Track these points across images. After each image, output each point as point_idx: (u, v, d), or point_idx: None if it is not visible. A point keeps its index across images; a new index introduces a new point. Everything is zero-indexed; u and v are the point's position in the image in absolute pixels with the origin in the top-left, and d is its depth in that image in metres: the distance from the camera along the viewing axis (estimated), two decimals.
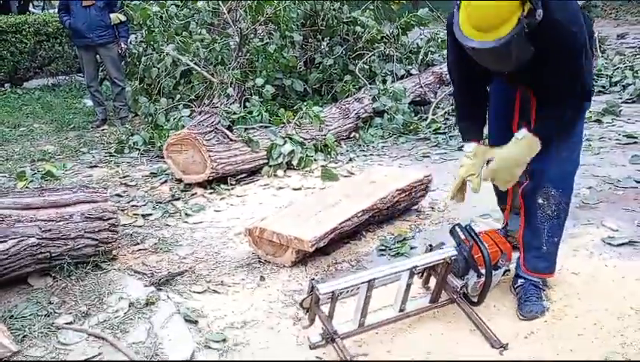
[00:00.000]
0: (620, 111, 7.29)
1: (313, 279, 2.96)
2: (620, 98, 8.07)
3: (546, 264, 3.31)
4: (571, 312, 3.24)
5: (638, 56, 10.18)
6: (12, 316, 3.47)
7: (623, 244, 3.92)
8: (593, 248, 3.91)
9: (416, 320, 3.25)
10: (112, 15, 8.49)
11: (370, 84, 7.95)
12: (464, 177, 3.20)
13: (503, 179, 3.06)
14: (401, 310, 3.16)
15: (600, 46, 10.88)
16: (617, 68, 9.39)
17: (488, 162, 3.09)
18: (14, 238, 3.64)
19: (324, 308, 2.95)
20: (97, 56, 8.72)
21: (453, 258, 3.16)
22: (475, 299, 3.23)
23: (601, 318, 3.16)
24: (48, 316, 3.48)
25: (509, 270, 3.39)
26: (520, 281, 3.36)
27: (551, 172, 3.13)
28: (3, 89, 12.20)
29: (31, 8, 21.58)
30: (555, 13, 2.68)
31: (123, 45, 8.72)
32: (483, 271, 3.12)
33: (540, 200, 3.18)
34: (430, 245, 3.32)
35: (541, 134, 2.96)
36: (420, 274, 3.32)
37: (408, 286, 3.10)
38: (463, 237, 3.19)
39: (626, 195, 4.79)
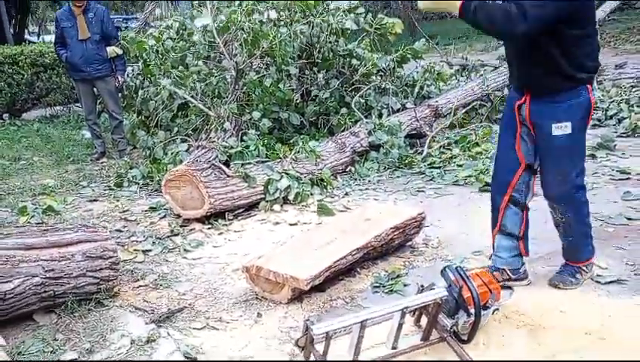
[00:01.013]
0: (615, 145, 7.27)
1: (308, 319, 3.07)
2: (615, 132, 8.05)
3: (568, 255, 4.03)
4: (557, 350, 3.33)
5: (634, 89, 10.10)
6: (20, 352, 3.58)
7: (611, 282, 3.99)
8: (582, 286, 3.98)
9: (408, 357, 3.34)
10: (108, 48, 8.57)
11: (366, 117, 8.03)
12: None
13: None
14: (393, 348, 3.27)
15: (597, 77, 10.90)
16: (613, 101, 9.37)
17: None
18: (19, 278, 3.76)
19: (319, 347, 3.06)
20: (95, 89, 8.80)
21: (443, 298, 3.27)
22: (464, 337, 3.35)
23: (586, 358, 3.24)
24: (54, 352, 3.59)
25: (498, 309, 3.49)
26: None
27: (553, 194, 3.86)
28: (2, 120, 12.31)
29: (27, 36, 21.73)
30: None
31: (120, 78, 8.81)
32: (472, 310, 3.25)
33: (550, 210, 3.96)
34: (422, 285, 3.42)
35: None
36: (412, 312, 3.43)
37: (400, 325, 3.21)
38: (453, 278, 3.30)
39: (617, 232, 4.85)
